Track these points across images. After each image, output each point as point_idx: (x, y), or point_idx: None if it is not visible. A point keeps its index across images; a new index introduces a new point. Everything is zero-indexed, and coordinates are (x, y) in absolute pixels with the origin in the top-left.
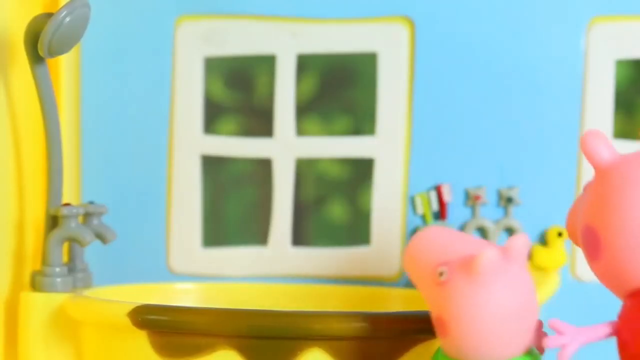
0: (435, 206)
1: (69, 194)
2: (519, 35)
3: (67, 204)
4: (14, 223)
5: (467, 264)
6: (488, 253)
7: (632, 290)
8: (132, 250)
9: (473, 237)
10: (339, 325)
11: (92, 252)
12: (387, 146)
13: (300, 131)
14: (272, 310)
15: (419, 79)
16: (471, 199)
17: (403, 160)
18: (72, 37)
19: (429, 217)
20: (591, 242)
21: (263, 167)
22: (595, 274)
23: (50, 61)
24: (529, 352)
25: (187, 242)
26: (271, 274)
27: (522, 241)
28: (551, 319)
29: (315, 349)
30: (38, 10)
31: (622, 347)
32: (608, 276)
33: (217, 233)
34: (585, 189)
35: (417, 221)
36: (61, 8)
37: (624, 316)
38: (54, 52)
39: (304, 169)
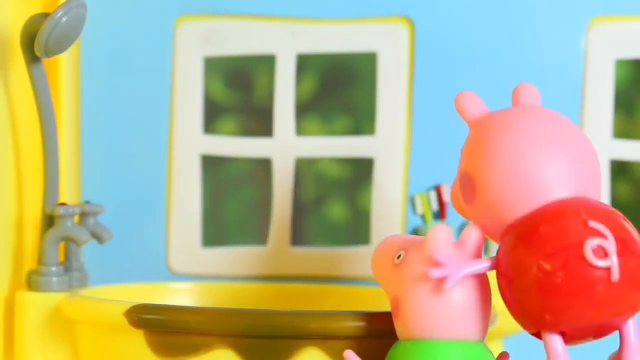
0: (435, 206)
1: (69, 194)
2: (519, 35)
3: (63, 204)
4: (12, 223)
5: (421, 245)
6: (439, 232)
7: (506, 227)
8: (132, 250)
9: None
10: (336, 325)
11: (92, 253)
12: (387, 146)
13: (300, 131)
14: (268, 310)
15: (419, 79)
16: None
17: (403, 160)
18: (69, 37)
19: (429, 217)
20: (468, 186)
21: (263, 167)
22: (473, 218)
23: (50, 61)
24: (479, 343)
25: (187, 242)
26: (271, 274)
27: (475, 233)
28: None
29: (313, 349)
30: (37, 10)
31: (501, 278)
32: (484, 217)
33: (217, 233)
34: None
35: (417, 221)
36: (57, 8)
37: (502, 251)
38: (51, 52)
39: (304, 169)
